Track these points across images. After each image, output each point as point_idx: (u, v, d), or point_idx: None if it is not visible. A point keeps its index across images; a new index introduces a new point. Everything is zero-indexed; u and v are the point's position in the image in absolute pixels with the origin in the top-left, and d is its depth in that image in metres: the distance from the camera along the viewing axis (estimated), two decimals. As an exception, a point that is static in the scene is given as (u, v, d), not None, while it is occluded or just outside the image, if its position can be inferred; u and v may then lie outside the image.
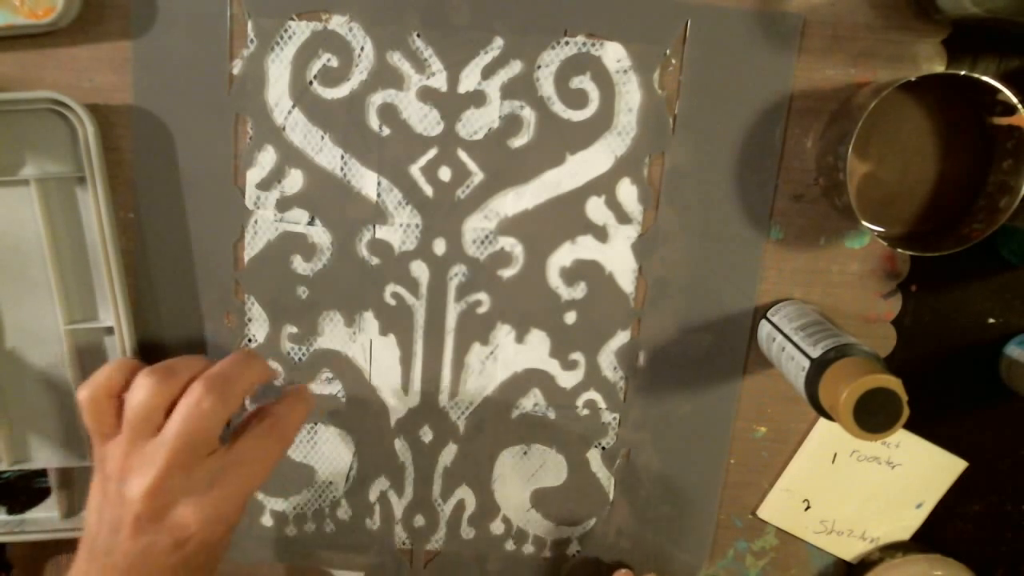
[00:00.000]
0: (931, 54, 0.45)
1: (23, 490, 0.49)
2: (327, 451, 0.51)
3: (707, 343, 0.49)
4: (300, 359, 0.49)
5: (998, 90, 0.39)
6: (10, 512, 0.49)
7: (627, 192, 0.47)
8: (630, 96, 0.45)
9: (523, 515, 0.53)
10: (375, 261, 0.48)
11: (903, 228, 0.45)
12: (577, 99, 0.45)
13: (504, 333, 0.49)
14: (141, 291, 0.48)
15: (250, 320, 0.49)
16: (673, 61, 0.45)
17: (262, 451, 0.39)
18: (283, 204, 0.47)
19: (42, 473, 0.49)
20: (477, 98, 0.45)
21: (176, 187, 0.46)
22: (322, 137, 0.46)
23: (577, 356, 0.49)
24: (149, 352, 0.48)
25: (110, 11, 0.44)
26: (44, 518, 0.49)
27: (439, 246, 0.48)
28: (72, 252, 0.46)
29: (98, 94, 0.45)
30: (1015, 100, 0.39)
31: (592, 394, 0.50)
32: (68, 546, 0.52)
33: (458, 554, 0.53)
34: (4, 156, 0.44)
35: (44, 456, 0.48)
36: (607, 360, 0.50)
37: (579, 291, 0.48)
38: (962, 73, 0.40)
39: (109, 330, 0.47)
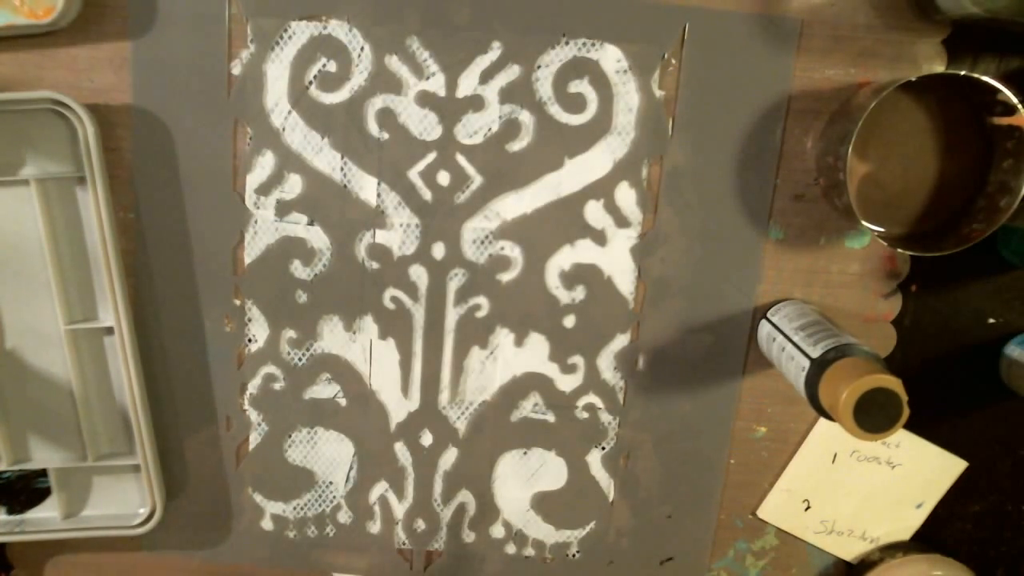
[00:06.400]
0: (931, 54, 0.45)
1: (23, 490, 0.49)
2: (327, 454, 0.51)
3: (707, 343, 0.49)
4: (299, 363, 0.49)
5: (998, 90, 0.39)
6: (10, 512, 0.49)
7: (625, 196, 0.47)
8: (629, 98, 0.45)
9: (523, 518, 0.53)
10: (374, 265, 0.48)
11: (903, 228, 0.45)
12: (575, 103, 0.45)
13: (503, 337, 0.49)
14: (141, 291, 0.48)
15: (250, 321, 0.49)
16: (673, 62, 0.45)
17: None
18: (282, 209, 0.47)
19: (42, 473, 0.49)
20: (475, 102, 0.45)
21: (176, 188, 0.46)
22: (321, 141, 0.46)
23: (576, 359, 0.49)
24: (149, 352, 0.48)
25: (110, 11, 0.44)
26: (44, 518, 0.49)
27: (438, 250, 0.47)
28: (72, 252, 0.46)
29: (98, 94, 0.45)
30: (1015, 100, 0.39)
31: (591, 397, 0.50)
32: (68, 546, 0.52)
33: (459, 557, 0.53)
34: (4, 156, 0.44)
35: (44, 456, 0.48)
36: (606, 363, 0.50)
37: (578, 294, 0.48)
38: (962, 73, 0.40)
39: (109, 330, 0.47)
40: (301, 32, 0.44)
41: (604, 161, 0.46)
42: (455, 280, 0.48)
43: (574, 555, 0.53)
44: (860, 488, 0.52)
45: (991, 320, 0.49)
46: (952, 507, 0.53)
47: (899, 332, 0.49)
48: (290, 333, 0.49)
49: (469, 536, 0.53)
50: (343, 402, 0.50)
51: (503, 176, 0.47)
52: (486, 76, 0.45)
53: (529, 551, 0.53)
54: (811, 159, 0.46)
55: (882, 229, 0.45)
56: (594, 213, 0.47)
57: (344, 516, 0.52)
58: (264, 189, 0.47)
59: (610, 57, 0.45)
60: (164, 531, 0.51)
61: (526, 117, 0.46)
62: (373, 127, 0.46)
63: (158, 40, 0.44)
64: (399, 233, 0.47)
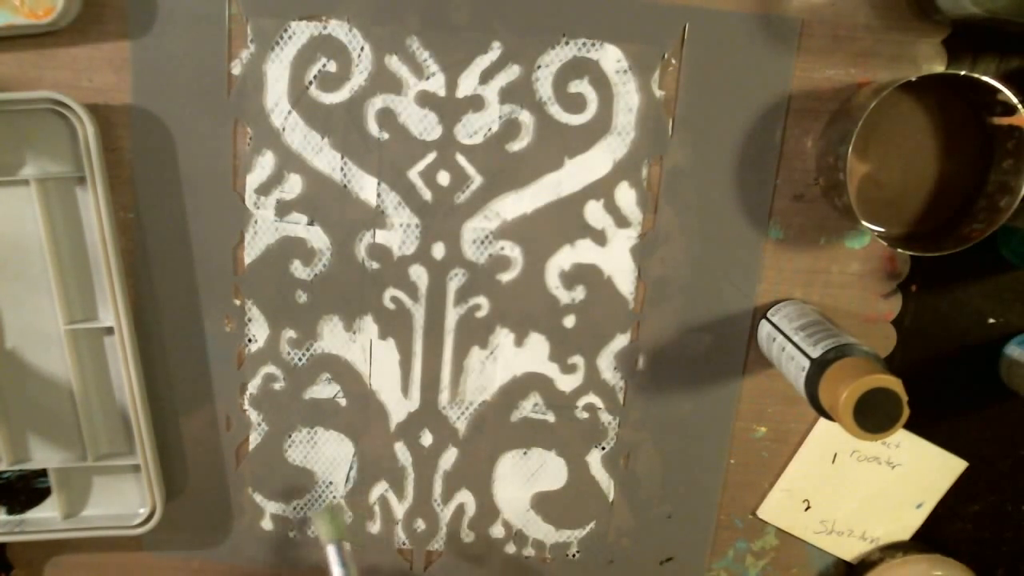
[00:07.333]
0: (931, 54, 0.45)
1: (23, 490, 0.49)
2: (327, 454, 0.51)
3: (707, 343, 0.49)
4: (299, 363, 0.49)
5: (998, 90, 0.39)
6: (10, 512, 0.49)
7: (625, 196, 0.47)
8: (629, 98, 0.45)
9: (523, 518, 0.53)
10: (374, 265, 0.48)
11: (903, 228, 0.45)
12: (575, 103, 0.45)
13: (503, 337, 0.49)
14: (141, 291, 0.48)
15: (250, 321, 0.49)
16: (673, 62, 0.45)
17: None
18: (282, 209, 0.47)
19: (42, 473, 0.49)
20: (476, 102, 0.45)
21: (176, 188, 0.46)
22: (321, 141, 0.46)
23: (576, 359, 0.49)
24: (149, 352, 0.48)
25: (110, 11, 0.44)
26: (44, 518, 0.49)
27: (438, 250, 0.47)
28: (72, 252, 0.46)
29: (98, 94, 0.45)
30: (1015, 100, 0.39)
31: (591, 397, 0.50)
32: (68, 546, 0.52)
33: (459, 557, 0.53)
34: (4, 156, 0.44)
35: (44, 456, 0.48)
36: (606, 363, 0.50)
37: (578, 294, 0.48)
38: (962, 73, 0.40)
39: (109, 330, 0.47)
40: (301, 32, 0.44)
41: (604, 161, 0.46)
42: (455, 280, 0.48)
43: (574, 555, 0.53)
44: (860, 488, 0.52)
45: (991, 320, 0.49)
46: (952, 507, 0.53)
47: (899, 332, 0.49)
48: (290, 333, 0.49)
49: (469, 536, 0.53)
50: (343, 402, 0.50)
51: (503, 176, 0.47)
52: (486, 76, 0.45)
53: (529, 551, 0.53)
54: (811, 159, 0.46)
55: (882, 229, 0.45)
56: (594, 213, 0.47)
57: (344, 516, 0.52)
58: (264, 189, 0.47)
59: (610, 57, 0.45)
60: (164, 531, 0.51)
61: (526, 117, 0.46)
62: (373, 127, 0.46)
63: (158, 40, 0.44)
64: (399, 233, 0.47)
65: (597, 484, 0.52)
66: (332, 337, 0.49)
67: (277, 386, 0.50)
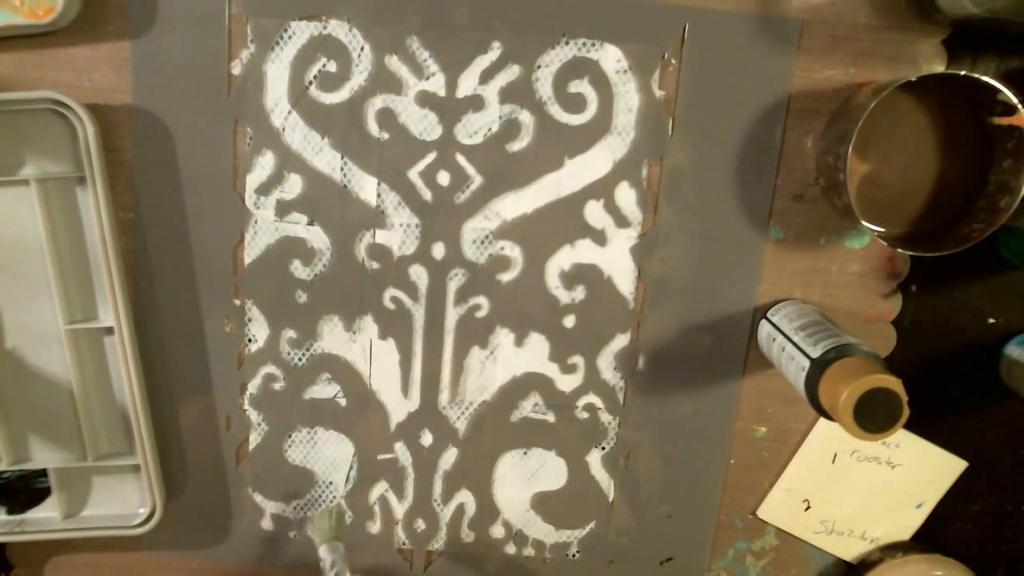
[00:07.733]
0: (931, 54, 0.45)
1: (23, 490, 0.49)
2: (327, 454, 0.51)
3: (707, 343, 0.49)
4: (299, 363, 0.49)
5: (998, 90, 0.39)
6: (10, 512, 0.49)
7: (625, 196, 0.47)
8: (629, 98, 0.45)
9: (523, 518, 0.53)
10: (374, 265, 0.48)
11: (903, 228, 0.45)
12: (575, 103, 0.45)
13: (503, 337, 0.49)
14: (141, 291, 0.48)
15: (250, 321, 0.49)
16: (673, 62, 0.45)
17: None
18: (282, 209, 0.47)
19: (42, 473, 0.49)
20: (476, 102, 0.45)
21: (176, 188, 0.46)
22: (321, 141, 0.46)
23: (576, 359, 0.49)
24: (149, 352, 0.48)
25: (110, 11, 0.44)
26: (44, 518, 0.49)
27: (438, 250, 0.47)
28: (72, 252, 0.46)
29: (98, 94, 0.45)
30: (1015, 100, 0.39)
31: (591, 397, 0.50)
32: (68, 546, 0.52)
33: (458, 557, 0.53)
34: (4, 156, 0.44)
35: (44, 456, 0.48)
36: (606, 363, 0.50)
37: (578, 294, 0.48)
38: (962, 73, 0.40)
39: (109, 330, 0.47)
40: (301, 32, 0.44)
41: (604, 161, 0.46)
42: (455, 280, 0.48)
43: (574, 555, 0.53)
44: (860, 488, 0.52)
45: (991, 320, 0.49)
46: (952, 507, 0.53)
47: (899, 332, 0.49)
48: (290, 333, 0.49)
49: (469, 536, 0.53)
50: (343, 402, 0.50)
51: (503, 176, 0.47)
52: (486, 76, 0.45)
53: (529, 551, 0.53)
54: (811, 159, 0.47)
55: (882, 229, 0.45)
56: (594, 213, 0.47)
57: (344, 516, 0.52)
58: (264, 189, 0.47)
59: (610, 57, 0.45)
60: (164, 531, 0.51)
61: (526, 117, 0.46)
62: (373, 127, 0.46)
63: (158, 40, 0.44)
64: (399, 233, 0.47)
65: (597, 484, 0.52)
66: (332, 337, 0.49)
67: (277, 386, 0.50)
